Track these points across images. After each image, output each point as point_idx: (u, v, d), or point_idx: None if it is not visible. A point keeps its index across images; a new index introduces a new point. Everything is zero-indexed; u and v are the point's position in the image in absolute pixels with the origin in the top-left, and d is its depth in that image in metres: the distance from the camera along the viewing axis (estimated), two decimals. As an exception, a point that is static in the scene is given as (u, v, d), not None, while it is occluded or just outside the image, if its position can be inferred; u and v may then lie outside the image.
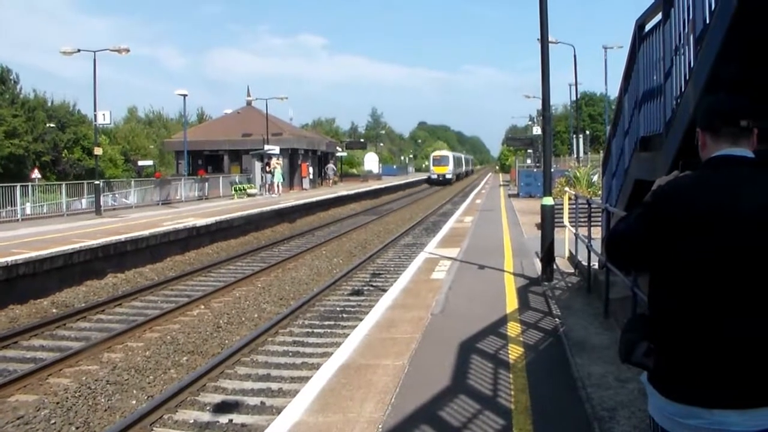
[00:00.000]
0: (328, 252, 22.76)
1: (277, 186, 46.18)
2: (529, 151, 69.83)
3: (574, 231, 13.39)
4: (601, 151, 19.50)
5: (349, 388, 6.72)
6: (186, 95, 46.55)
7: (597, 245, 11.15)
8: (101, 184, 32.02)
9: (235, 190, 43.84)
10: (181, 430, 7.82)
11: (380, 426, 5.68)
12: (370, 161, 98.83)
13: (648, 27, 8.39)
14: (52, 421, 8.01)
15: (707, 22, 5.76)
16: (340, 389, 6.70)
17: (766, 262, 2.40)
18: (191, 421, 8.01)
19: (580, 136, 54.45)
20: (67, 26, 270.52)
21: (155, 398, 8.66)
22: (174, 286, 16.87)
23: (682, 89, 6.65)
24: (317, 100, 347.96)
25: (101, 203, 30.39)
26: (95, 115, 32.78)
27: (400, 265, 18.88)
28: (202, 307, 14.22)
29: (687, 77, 6.47)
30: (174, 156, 61.03)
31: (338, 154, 76.37)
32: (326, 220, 34.63)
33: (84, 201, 33.17)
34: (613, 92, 44.16)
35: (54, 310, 14.39)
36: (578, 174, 30.95)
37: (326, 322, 12.78)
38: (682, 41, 6.68)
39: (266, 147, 46.79)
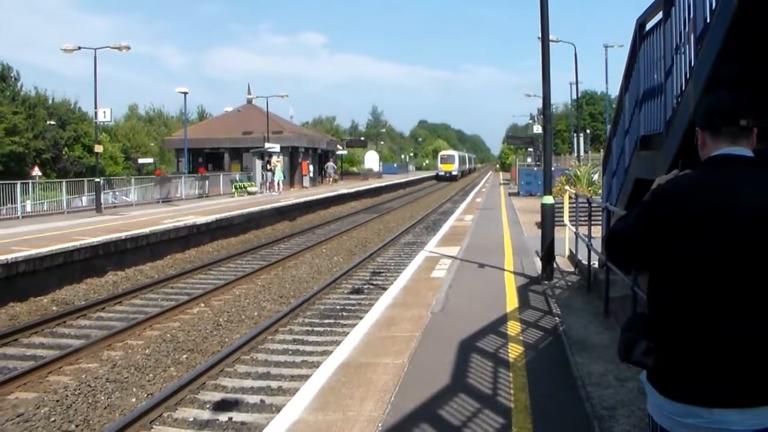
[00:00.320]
0: (329, 250, 22.76)
1: (278, 184, 46.21)
2: (529, 149, 69.88)
3: (574, 230, 13.39)
4: (602, 150, 19.51)
5: (349, 386, 6.73)
6: (186, 93, 46.55)
7: (597, 244, 11.14)
8: (102, 181, 32.04)
9: (236, 188, 43.83)
10: (180, 428, 7.82)
11: (380, 424, 5.68)
12: (371, 160, 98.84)
13: (649, 26, 8.38)
14: (52, 419, 8.00)
15: (708, 21, 5.75)
16: (340, 387, 6.70)
17: (764, 261, 2.40)
18: (191, 419, 8.01)
19: (581, 134, 54.44)
20: (67, 25, 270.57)
21: (155, 396, 8.65)
22: (174, 284, 16.87)
23: (683, 88, 6.65)
24: (318, 98, 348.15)
25: (102, 201, 30.39)
26: (96, 113, 32.77)
27: (401, 263, 18.87)
28: (202, 305, 14.22)
29: (687, 76, 6.46)
30: (174, 154, 61.09)
31: (339, 152, 76.38)
32: (326, 219, 34.63)
33: (84, 198, 33.19)
34: (614, 91, 44.14)
35: (54, 308, 14.39)
36: (579, 173, 30.92)
37: (326, 321, 12.78)
38: (682, 40, 6.68)
39: (267, 145, 46.79)
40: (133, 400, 8.80)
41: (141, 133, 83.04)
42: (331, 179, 64.37)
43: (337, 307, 13.92)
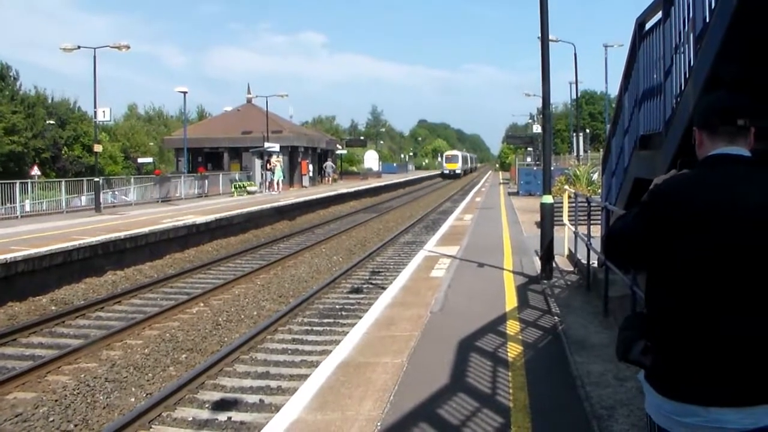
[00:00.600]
0: (328, 250, 22.76)
1: (277, 183, 46.20)
2: (529, 149, 69.82)
3: (573, 229, 13.39)
4: (601, 150, 19.52)
5: (348, 386, 6.72)
6: (186, 93, 46.60)
7: (596, 243, 11.13)
8: (101, 181, 32.03)
9: (235, 187, 43.84)
10: (180, 428, 7.82)
11: (379, 424, 5.68)
12: (370, 159, 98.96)
13: (648, 25, 8.38)
14: (51, 419, 8.00)
15: (707, 20, 5.75)
16: (339, 387, 6.69)
17: (762, 261, 2.40)
18: (190, 419, 8.01)
19: (580, 134, 54.41)
20: (67, 24, 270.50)
21: (154, 396, 8.65)
22: (173, 284, 16.87)
23: (682, 88, 6.65)
24: (317, 98, 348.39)
25: (101, 200, 30.40)
26: (95, 112, 32.81)
27: (400, 263, 18.87)
28: (202, 304, 14.22)
29: (687, 76, 6.47)
30: (174, 153, 61.10)
31: (338, 151, 76.42)
32: (326, 218, 34.63)
33: (83, 198, 33.19)
34: (614, 91, 44.09)
35: (53, 308, 14.38)
36: (578, 172, 30.95)
37: (325, 320, 12.78)
38: (682, 40, 6.68)
39: (266, 144, 46.79)
40: (132, 399, 8.80)
41: (140, 133, 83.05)
42: (330, 179, 64.26)
43: (337, 306, 13.92)
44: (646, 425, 2.68)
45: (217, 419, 7.95)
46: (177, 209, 30.18)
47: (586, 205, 12.43)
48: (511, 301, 10.59)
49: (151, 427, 7.78)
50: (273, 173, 46.43)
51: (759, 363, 2.39)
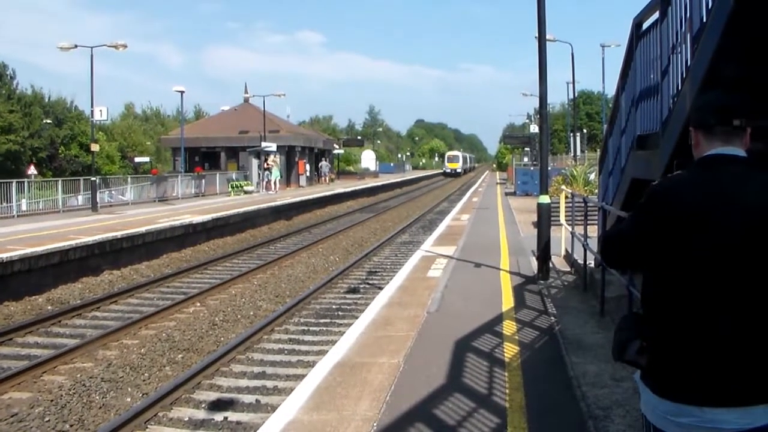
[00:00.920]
0: (325, 249, 22.75)
1: (274, 183, 46.18)
2: (526, 149, 69.85)
3: (570, 229, 13.39)
4: (598, 150, 19.57)
5: (345, 386, 6.71)
6: (183, 92, 46.66)
7: (593, 244, 11.13)
8: (98, 180, 32.00)
9: (232, 187, 43.84)
10: (176, 428, 7.80)
11: (375, 424, 5.67)
12: (367, 159, 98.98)
13: (645, 25, 8.39)
14: (47, 419, 7.98)
15: (704, 20, 5.76)
16: (336, 387, 6.69)
17: (758, 261, 2.41)
18: (186, 419, 7.99)
19: (578, 134, 54.43)
20: (64, 23, 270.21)
21: (150, 396, 8.63)
22: (170, 283, 16.85)
23: (679, 88, 6.65)
24: (315, 97, 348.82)
25: (97, 200, 30.35)
26: (92, 112, 32.82)
27: (397, 263, 18.87)
28: (198, 304, 14.20)
29: (684, 76, 6.47)
30: (171, 153, 61.04)
31: (335, 151, 76.43)
32: (323, 218, 34.61)
33: (80, 197, 33.15)
34: (611, 90, 44.15)
35: (49, 307, 14.36)
36: (575, 172, 30.93)
37: (322, 320, 12.77)
38: (679, 40, 6.68)
39: (263, 144, 46.77)
40: (128, 399, 8.78)
41: (137, 132, 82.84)
42: (326, 178, 64.10)
43: (333, 306, 13.91)
44: (641, 425, 2.68)
45: (213, 419, 7.94)
46: (174, 209, 30.16)
47: (583, 205, 12.42)
48: (507, 302, 10.58)
49: (147, 427, 7.76)
50: (270, 173, 46.41)
51: (755, 363, 2.39)
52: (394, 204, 45.83)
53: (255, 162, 48.68)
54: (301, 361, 10.16)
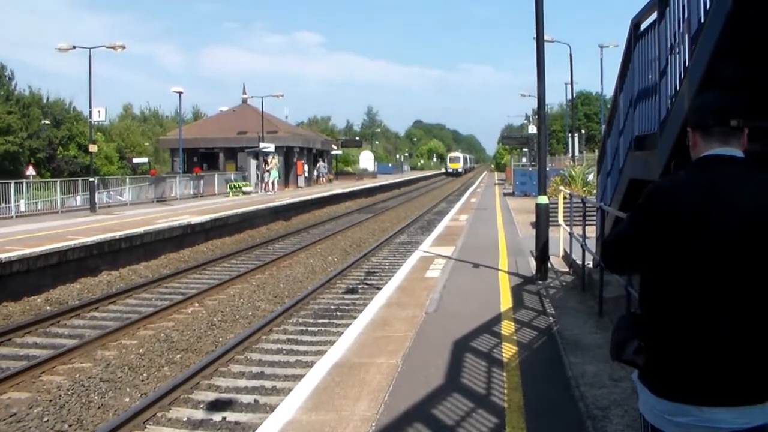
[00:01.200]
0: (323, 250, 22.74)
1: (272, 184, 46.17)
2: (524, 149, 69.88)
3: (568, 230, 13.41)
4: (597, 150, 19.59)
5: (343, 386, 6.72)
6: (182, 93, 46.62)
7: (592, 244, 11.17)
8: (96, 181, 31.98)
9: (231, 187, 43.84)
10: (174, 428, 7.80)
11: (373, 424, 5.68)
12: (366, 159, 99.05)
13: (643, 26, 8.39)
14: (45, 419, 7.98)
15: (702, 21, 5.76)
16: (334, 387, 6.69)
17: (756, 262, 2.42)
18: (185, 419, 7.99)
19: (576, 135, 54.44)
20: (63, 23, 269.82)
21: (149, 396, 8.63)
22: (168, 284, 16.84)
23: (677, 88, 6.66)
24: (313, 98, 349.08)
25: (96, 200, 30.35)
26: (90, 112, 32.80)
27: (395, 263, 18.87)
28: (197, 304, 14.20)
29: (682, 76, 6.47)
30: (169, 153, 61.10)
31: (334, 152, 76.46)
32: (321, 218, 34.61)
33: (79, 198, 33.12)
34: (609, 91, 44.19)
35: (48, 308, 14.35)
36: (573, 173, 30.96)
37: (320, 320, 12.77)
38: (677, 40, 6.69)
39: (261, 145, 46.78)
40: (127, 399, 8.78)
41: (136, 133, 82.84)
42: (324, 179, 63.99)
43: (332, 306, 13.91)
44: (640, 425, 2.68)
45: (211, 419, 7.94)
46: (172, 209, 30.15)
47: (581, 205, 12.44)
48: (506, 302, 10.59)
49: (145, 427, 7.76)
50: (269, 173, 46.39)
51: (753, 363, 2.40)
52: (393, 204, 45.83)
53: (253, 163, 48.66)
54: (299, 362, 10.16)
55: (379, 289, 13.45)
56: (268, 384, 9.14)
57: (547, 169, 15.40)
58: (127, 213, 28.31)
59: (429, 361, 7.45)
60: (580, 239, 11.18)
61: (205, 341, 11.52)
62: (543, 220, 12.84)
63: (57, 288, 15.89)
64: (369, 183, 64.45)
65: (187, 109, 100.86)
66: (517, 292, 11.42)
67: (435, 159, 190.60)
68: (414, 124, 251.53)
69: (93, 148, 34.17)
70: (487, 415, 5.82)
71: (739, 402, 2.39)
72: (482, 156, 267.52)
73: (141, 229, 20.53)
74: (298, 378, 8.31)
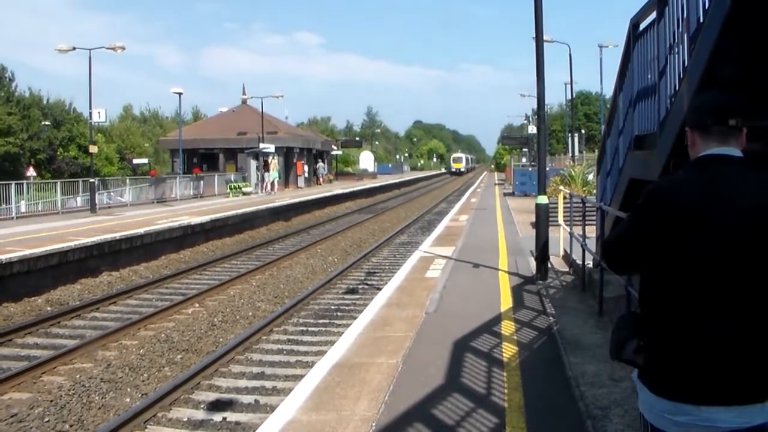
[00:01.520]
0: (323, 250, 22.74)
1: (272, 184, 46.17)
2: (524, 150, 69.90)
3: (568, 230, 13.41)
4: (596, 150, 19.59)
5: (343, 386, 6.73)
6: (181, 93, 46.60)
7: (591, 244, 11.17)
8: (96, 182, 31.99)
9: (231, 188, 43.83)
10: (175, 428, 7.81)
11: (373, 424, 5.68)
12: (366, 160, 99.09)
13: (642, 26, 8.39)
14: (46, 419, 7.99)
15: (701, 20, 5.77)
16: (334, 387, 6.70)
17: (755, 262, 2.42)
18: (185, 419, 8.00)
19: (576, 135, 54.43)
20: (63, 24, 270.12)
21: (149, 396, 8.64)
22: (169, 284, 16.84)
23: (676, 88, 6.66)
24: (313, 98, 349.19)
25: (96, 201, 30.35)
26: (90, 113, 32.81)
27: (395, 263, 18.87)
28: (197, 305, 14.20)
29: (681, 76, 6.48)
30: (169, 154, 61.04)
31: (334, 152, 76.45)
32: (321, 219, 34.61)
33: (79, 199, 33.14)
34: (609, 91, 44.18)
35: (48, 308, 14.36)
36: (573, 173, 30.96)
37: (321, 321, 12.77)
38: (676, 40, 6.69)
39: (261, 145, 46.76)
40: (128, 400, 8.79)
41: (136, 134, 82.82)
42: (323, 179, 63.86)
43: (332, 307, 13.91)
44: (639, 424, 2.69)
45: (212, 419, 7.95)
46: (172, 210, 30.16)
47: (581, 205, 12.44)
48: (506, 302, 10.60)
49: (146, 428, 7.77)
50: (269, 174, 46.39)
51: (752, 363, 2.41)
52: (393, 205, 45.82)
53: (253, 163, 48.65)
54: (299, 362, 10.17)
55: (379, 289, 13.45)
56: (268, 384, 9.14)
57: (547, 169, 15.42)
58: (128, 214, 28.32)
59: (429, 361, 7.45)
60: (580, 239, 11.18)
61: (206, 341, 11.53)
62: (543, 220, 12.84)
63: (57, 289, 15.90)
64: (369, 183, 64.45)
65: (186, 109, 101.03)
66: (517, 292, 11.42)
67: (435, 159, 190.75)
68: (414, 125, 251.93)
69: (93, 149, 34.20)
70: (487, 414, 5.82)
71: (738, 401, 2.40)
72: (482, 156, 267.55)
73: (141, 230, 20.53)
74: (298, 378, 8.31)
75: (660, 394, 2.50)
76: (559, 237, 15.21)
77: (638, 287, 2.77)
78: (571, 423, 5.69)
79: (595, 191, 17.22)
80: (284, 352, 10.78)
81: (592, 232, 11.75)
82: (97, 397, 8.77)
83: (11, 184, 28.29)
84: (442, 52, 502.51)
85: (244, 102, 62.31)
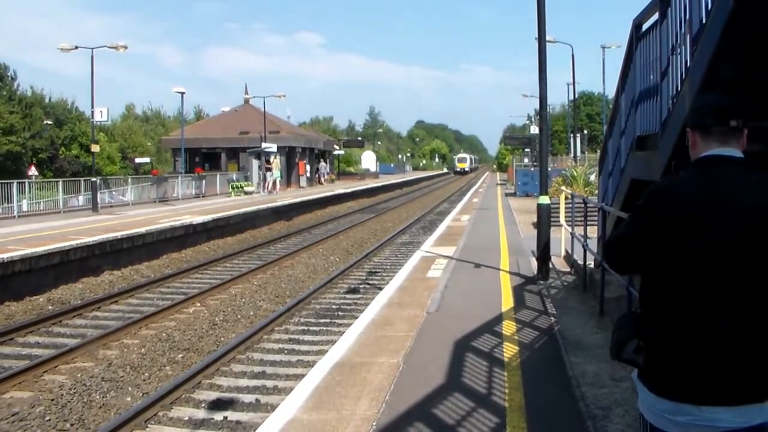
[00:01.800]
0: (325, 250, 22.75)
1: (274, 183, 46.18)
2: (526, 150, 69.83)
3: (570, 230, 13.40)
4: (599, 151, 19.60)
5: (344, 385, 6.73)
6: (184, 93, 46.65)
7: (593, 244, 11.15)
8: (98, 181, 32.01)
9: (233, 187, 43.83)
10: (176, 427, 7.82)
11: (374, 423, 5.68)
12: (368, 160, 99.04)
13: (645, 26, 8.38)
14: (47, 418, 8.00)
15: (704, 21, 5.77)
16: (335, 387, 6.70)
17: (755, 262, 2.42)
18: (186, 419, 8.01)
19: (578, 135, 54.43)
20: (65, 24, 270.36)
21: (150, 395, 8.65)
22: (170, 284, 16.86)
23: (679, 89, 6.65)
24: (315, 98, 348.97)
25: (98, 200, 30.36)
26: (93, 112, 32.81)
27: (397, 263, 18.87)
28: (198, 304, 14.21)
29: (683, 77, 6.47)
30: (171, 153, 61.04)
31: (336, 152, 76.47)
32: (323, 218, 34.62)
33: (81, 198, 33.16)
34: (611, 92, 44.07)
35: (50, 307, 14.38)
36: (575, 173, 30.94)
37: (322, 320, 12.78)
38: (678, 41, 6.69)
39: (264, 145, 46.76)
40: (129, 399, 8.80)
41: (138, 133, 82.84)
42: (324, 179, 63.76)
43: (333, 306, 13.92)
44: (639, 424, 2.69)
45: (213, 419, 7.96)
46: (174, 209, 30.17)
47: (582, 206, 12.43)
48: (507, 302, 10.59)
49: (147, 427, 7.78)
50: (271, 173, 46.40)
51: (752, 363, 2.41)
52: (395, 205, 45.81)
53: (255, 163, 48.68)
54: (300, 361, 10.18)
55: (380, 288, 13.46)
56: (269, 383, 9.15)
57: (549, 169, 15.41)
58: (129, 213, 28.33)
59: (430, 361, 7.45)
60: (582, 239, 11.18)
61: (207, 341, 11.54)
62: (544, 220, 12.84)
63: (59, 288, 15.92)
64: (371, 183, 64.46)
65: (189, 109, 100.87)
66: (518, 292, 11.42)
67: (437, 159, 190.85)
68: (416, 125, 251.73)
69: (95, 148, 34.19)
70: (488, 414, 5.82)
71: (738, 401, 2.40)
72: (484, 156, 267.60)
73: (143, 229, 20.55)
74: (299, 377, 8.32)
75: (660, 394, 2.50)
76: (561, 237, 15.20)
77: (639, 287, 2.77)
78: (571, 423, 5.69)
79: (596, 192, 17.21)
80: (285, 351, 10.79)
81: (593, 232, 11.72)
82: (98, 396, 8.78)
83: (13, 182, 28.31)
84: (444, 53, 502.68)
85: (246, 101, 62.28)
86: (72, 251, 16.87)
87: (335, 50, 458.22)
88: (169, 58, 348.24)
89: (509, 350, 7.81)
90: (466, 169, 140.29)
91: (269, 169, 46.40)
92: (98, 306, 14.14)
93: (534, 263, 13.57)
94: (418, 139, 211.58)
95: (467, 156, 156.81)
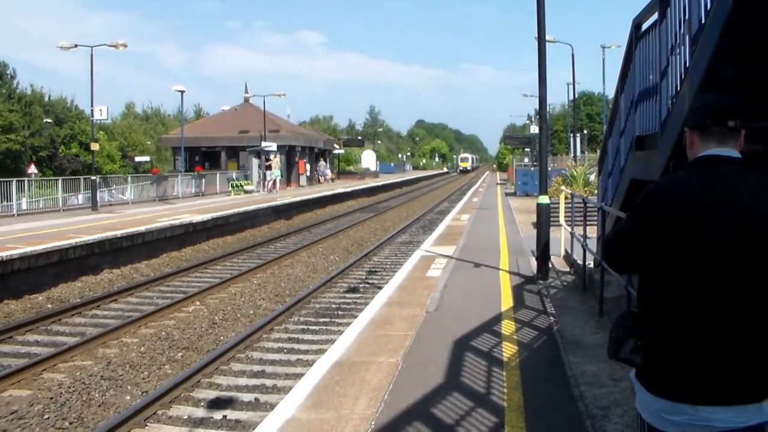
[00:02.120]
0: (325, 249, 22.75)
1: (274, 182, 46.18)
2: (526, 149, 69.81)
3: (569, 230, 13.40)
4: (598, 151, 19.60)
5: (343, 384, 6.73)
6: (183, 91, 46.66)
7: (592, 244, 11.15)
8: (98, 179, 31.98)
9: (232, 186, 43.83)
10: (175, 426, 7.82)
11: (373, 423, 5.69)
12: (368, 159, 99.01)
13: (644, 26, 8.39)
14: (46, 416, 8.00)
15: (703, 21, 5.77)
16: (334, 386, 6.70)
17: (753, 262, 2.42)
18: (185, 417, 8.01)
19: (578, 135, 54.43)
20: (66, 22, 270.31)
21: (149, 394, 8.65)
22: (169, 282, 16.86)
23: (678, 89, 6.66)
24: (315, 97, 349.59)
25: (98, 199, 30.33)
26: (92, 111, 32.76)
27: (396, 262, 18.88)
28: (198, 303, 14.21)
29: (682, 77, 6.47)
30: (171, 152, 61.02)
31: (336, 151, 76.46)
32: (323, 217, 34.62)
33: (80, 196, 33.14)
34: (611, 92, 44.06)
35: (49, 306, 14.38)
36: (575, 173, 30.95)
37: (321, 319, 12.78)
38: (678, 41, 6.69)
39: (264, 144, 46.75)
40: (128, 397, 8.80)
41: (138, 132, 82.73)
42: (323, 179, 63.67)
43: (333, 305, 13.92)
44: (637, 424, 2.70)
45: (212, 417, 7.96)
46: (174, 208, 30.16)
47: (582, 205, 12.43)
48: (506, 301, 10.60)
49: (146, 425, 7.78)
50: (271, 172, 46.41)
51: (750, 363, 2.42)
52: (394, 204, 45.82)
53: (255, 161, 48.68)
54: (300, 360, 10.18)
55: (380, 288, 13.47)
56: (268, 382, 9.15)
57: (549, 169, 15.41)
58: (129, 211, 28.34)
59: (429, 360, 7.46)
60: (581, 239, 11.18)
61: (206, 340, 11.54)
62: (544, 220, 12.84)
63: (58, 286, 15.92)
64: (371, 182, 64.47)
65: (189, 107, 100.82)
66: (517, 291, 11.43)
67: (437, 159, 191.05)
68: (416, 124, 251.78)
69: (95, 146, 34.17)
70: (486, 414, 5.83)
71: (735, 401, 2.40)
72: (485, 156, 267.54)
73: (142, 228, 20.54)
74: (298, 376, 8.32)
75: (658, 394, 2.50)
76: (560, 237, 15.21)
77: (637, 287, 2.77)
78: (570, 423, 5.70)
79: (596, 192, 17.21)
80: (285, 350, 10.79)
81: (593, 232, 11.72)
82: (97, 395, 8.78)
83: (12, 181, 28.29)
84: (444, 52, 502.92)
85: (246, 100, 62.25)
86: (71, 250, 16.87)
87: (336, 49, 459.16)
88: (170, 56, 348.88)
89: (508, 350, 7.82)
90: (468, 168, 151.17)
91: (269, 168, 46.40)
92: (97, 304, 14.14)
93: (533, 263, 13.58)
94: (418, 139, 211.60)
95: (469, 156, 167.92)
